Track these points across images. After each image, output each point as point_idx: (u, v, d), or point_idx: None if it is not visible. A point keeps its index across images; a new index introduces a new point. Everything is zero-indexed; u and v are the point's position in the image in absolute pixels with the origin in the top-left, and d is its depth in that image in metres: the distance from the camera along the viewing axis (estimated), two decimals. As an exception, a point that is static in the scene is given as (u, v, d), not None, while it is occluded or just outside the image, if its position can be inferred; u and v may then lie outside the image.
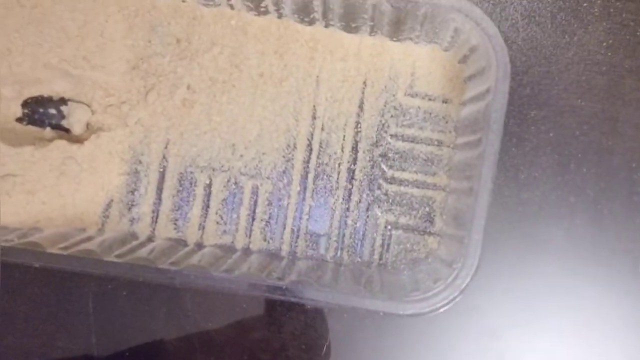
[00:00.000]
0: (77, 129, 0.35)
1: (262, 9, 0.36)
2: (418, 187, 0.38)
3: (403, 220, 0.38)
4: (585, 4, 0.38)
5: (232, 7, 0.36)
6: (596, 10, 0.38)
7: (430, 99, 0.38)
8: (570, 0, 0.38)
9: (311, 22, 0.36)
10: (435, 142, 0.38)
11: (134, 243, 0.35)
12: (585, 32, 0.38)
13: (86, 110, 0.36)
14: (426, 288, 0.34)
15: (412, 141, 0.38)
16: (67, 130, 0.36)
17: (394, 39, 0.37)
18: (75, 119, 0.35)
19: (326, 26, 0.37)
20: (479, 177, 0.32)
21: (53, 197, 0.34)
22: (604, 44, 0.38)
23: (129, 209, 0.36)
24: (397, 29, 0.36)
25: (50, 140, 0.35)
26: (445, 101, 0.38)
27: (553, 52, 0.38)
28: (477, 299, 0.37)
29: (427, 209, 0.38)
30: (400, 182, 0.38)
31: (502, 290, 0.38)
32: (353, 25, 0.36)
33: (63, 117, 0.36)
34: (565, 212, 0.38)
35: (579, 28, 0.38)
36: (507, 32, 0.39)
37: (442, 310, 0.33)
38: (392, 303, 0.33)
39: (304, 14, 0.35)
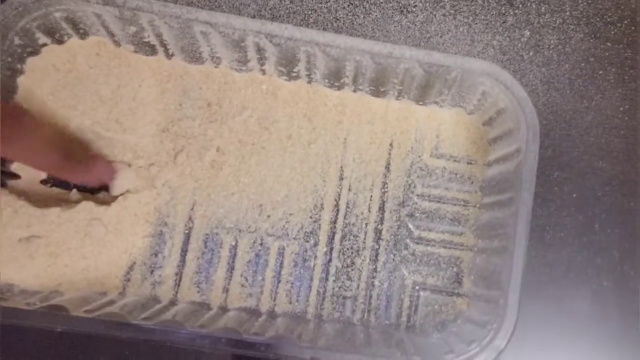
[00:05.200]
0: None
1: (294, 74, 0.36)
2: (445, 247, 0.38)
3: (431, 281, 0.37)
4: (600, 72, 0.40)
5: (263, 72, 0.37)
6: (611, 77, 0.40)
7: (455, 160, 0.38)
8: (586, 68, 0.40)
9: (340, 87, 0.37)
10: (462, 202, 0.38)
11: (157, 307, 0.34)
12: (603, 98, 0.40)
13: (114, 171, 0.35)
14: (460, 350, 0.33)
15: (438, 201, 0.38)
16: (92, 192, 0.36)
17: (420, 102, 0.38)
18: (103, 180, 0.35)
19: (354, 91, 0.38)
20: (514, 235, 0.32)
21: (76, 260, 0.33)
22: (621, 108, 0.40)
23: (152, 272, 0.35)
24: (424, 92, 0.37)
25: (77, 202, 0.34)
26: (470, 162, 0.38)
27: (572, 116, 0.39)
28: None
29: (454, 269, 0.37)
30: (427, 242, 0.38)
31: (533, 351, 0.37)
32: (382, 89, 0.37)
33: (90, 177, 0.35)
34: (592, 274, 0.38)
35: (596, 94, 0.40)
36: (529, 97, 0.40)
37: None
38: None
39: (335, 78, 0.36)
